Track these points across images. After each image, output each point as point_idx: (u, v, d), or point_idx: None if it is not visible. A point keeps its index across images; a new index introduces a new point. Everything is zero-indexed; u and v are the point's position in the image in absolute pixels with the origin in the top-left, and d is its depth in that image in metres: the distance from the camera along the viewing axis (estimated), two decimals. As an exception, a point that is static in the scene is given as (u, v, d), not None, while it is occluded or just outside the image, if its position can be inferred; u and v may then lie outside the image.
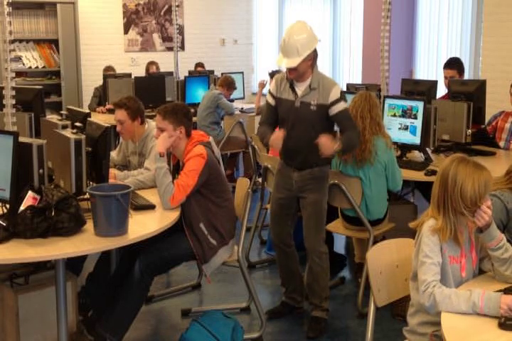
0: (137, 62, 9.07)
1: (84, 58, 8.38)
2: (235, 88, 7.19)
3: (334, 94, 3.43)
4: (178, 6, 7.88)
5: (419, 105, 4.26)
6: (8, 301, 3.18)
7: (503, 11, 6.09)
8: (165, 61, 8.63)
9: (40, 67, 8.22)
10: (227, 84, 6.98)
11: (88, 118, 3.55)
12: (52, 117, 4.00)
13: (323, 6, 9.28)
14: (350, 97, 4.01)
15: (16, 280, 3.20)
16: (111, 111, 6.10)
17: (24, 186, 2.83)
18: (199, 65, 8.86)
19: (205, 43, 9.86)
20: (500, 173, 2.88)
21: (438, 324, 2.13)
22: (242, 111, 7.44)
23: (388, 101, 4.52)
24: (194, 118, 5.36)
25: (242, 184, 3.71)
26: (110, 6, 8.98)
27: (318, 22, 9.10)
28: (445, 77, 5.28)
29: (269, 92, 3.62)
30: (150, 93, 6.90)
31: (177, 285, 4.31)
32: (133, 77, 7.29)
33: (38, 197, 2.80)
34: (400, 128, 4.40)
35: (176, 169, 3.59)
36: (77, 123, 3.25)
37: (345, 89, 5.56)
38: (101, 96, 7.26)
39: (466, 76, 5.83)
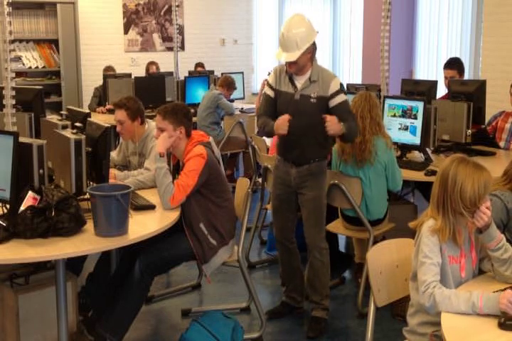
0: (137, 62, 9.08)
1: (84, 58, 8.38)
2: (235, 88, 7.19)
3: (334, 86, 3.43)
4: (178, 6, 7.88)
5: (419, 105, 4.26)
6: (8, 301, 3.18)
7: (503, 11, 6.10)
8: (165, 61, 8.63)
9: (40, 67, 8.22)
10: (227, 84, 6.98)
11: (88, 119, 3.55)
12: (52, 117, 4.00)
13: (323, 6, 9.29)
14: (350, 97, 4.01)
15: (16, 281, 3.20)
16: (111, 112, 6.10)
17: (24, 186, 2.83)
18: (199, 65, 8.86)
19: (205, 43, 9.87)
20: (500, 173, 2.88)
21: (438, 324, 2.13)
22: (242, 111, 7.44)
23: (388, 101, 4.52)
24: (194, 119, 5.36)
25: (242, 184, 3.72)
26: (110, 6, 8.98)
27: (318, 22, 9.09)
28: (445, 77, 5.28)
29: (268, 84, 3.60)
30: (150, 93, 6.90)
31: (177, 285, 4.31)
32: (133, 77, 7.29)
33: (38, 198, 2.80)
34: (400, 129, 4.40)
35: (176, 169, 3.59)
36: (77, 124, 3.25)
37: (345, 89, 5.55)
38: (101, 97, 7.26)
39: (466, 76, 5.83)
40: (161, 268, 3.41)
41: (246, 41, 10.36)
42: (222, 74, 7.79)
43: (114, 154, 4.05)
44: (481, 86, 4.64)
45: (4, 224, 2.75)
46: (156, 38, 9.50)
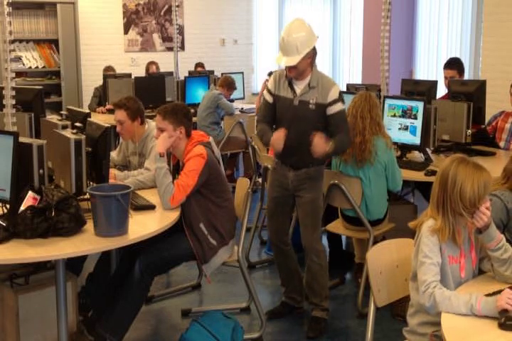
0: (137, 62, 9.08)
1: (84, 58, 8.38)
2: (235, 88, 7.19)
3: (333, 94, 3.43)
4: (178, 6, 7.89)
5: (419, 105, 4.26)
6: (8, 301, 3.18)
7: (503, 11, 6.10)
8: (165, 61, 8.63)
9: (40, 67, 8.21)
10: (227, 84, 6.98)
11: (88, 119, 3.55)
12: (52, 117, 4.00)
13: (323, 6, 9.29)
14: (350, 97, 4.02)
15: (16, 281, 3.20)
16: (111, 112, 6.10)
17: (24, 186, 2.83)
18: (199, 65, 8.86)
19: (205, 43, 9.86)
20: (500, 174, 2.88)
21: (438, 324, 2.13)
22: (242, 111, 7.44)
23: (388, 101, 4.52)
24: (194, 119, 5.36)
25: (242, 184, 3.71)
26: (110, 6, 8.98)
27: (318, 22, 9.10)
28: (445, 77, 5.28)
29: (267, 89, 3.60)
30: (150, 93, 6.90)
31: (177, 285, 4.31)
32: (133, 77, 7.29)
33: (38, 198, 2.80)
34: (399, 129, 4.40)
35: (176, 169, 3.59)
36: (77, 124, 3.25)
37: (345, 89, 5.56)
38: (101, 97, 7.26)
39: (466, 76, 5.83)
40: (161, 268, 3.41)
41: (246, 41, 10.36)
42: (222, 74, 7.79)
43: (114, 154, 4.05)
44: (481, 86, 4.64)
45: (4, 224, 2.75)
46: (156, 38, 9.49)
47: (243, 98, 8.37)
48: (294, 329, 3.71)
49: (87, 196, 2.91)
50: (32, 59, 8.16)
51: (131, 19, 9.24)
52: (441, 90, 5.52)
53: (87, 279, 3.80)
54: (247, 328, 3.57)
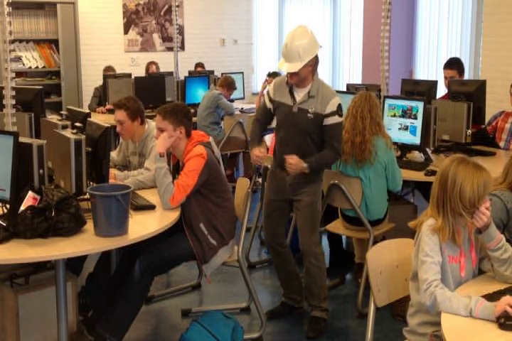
0: (137, 62, 9.08)
1: (84, 58, 8.38)
2: (235, 88, 7.19)
3: (331, 106, 3.42)
4: (178, 6, 7.88)
5: (419, 105, 4.26)
6: (8, 301, 3.18)
7: (503, 11, 6.10)
8: (165, 61, 8.63)
9: (40, 67, 8.21)
10: (227, 84, 6.98)
11: (88, 119, 3.55)
12: (52, 117, 4.00)
13: (323, 6, 9.29)
14: (350, 97, 4.02)
15: (16, 281, 3.20)
16: (111, 112, 6.10)
17: (24, 186, 2.83)
18: (199, 65, 8.86)
19: (205, 43, 9.86)
20: (499, 174, 2.88)
21: (438, 324, 2.13)
22: (242, 111, 7.44)
23: (388, 101, 4.52)
24: (194, 119, 5.36)
25: (242, 184, 3.71)
26: (110, 6, 8.98)
27: (318, 22, 9.11)
28: (445, 77, 5.27)
29: (268, 94, 3.63)
30: (150, 93, 6.90)
31: (177, 285, 4.31)
32: (133, 77, 7.29)
33: (38, 198, 2.80)
34: (399, 129, 4.40)
35: (176, 169, 3.59)
36: (77, 124, 3.25)
37: (345, 89, 5.57)
38: (101, 97, 7.26)
39: (466, 76, 5.83)
40: (161, 268, 3.41)
41: (246, 41, 10.36)
42: (222, 74, 7.79)
43: (114, 154, 4.05)
44: (481, 86, 4.64)
45: (4, 224, 2.75)
46: (156, 38, 9.49)
47: (243, 98, 8.37)
48: (294, 329, 3.71)
49: (87, 196, 2.91)
50: (32, 59, 8.16)
51: (131, 19, 9.24)
52: (441, 90, 5.52)
53: (87, 279, 3.80)
54: (247, 328, 3.57)
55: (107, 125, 3.18)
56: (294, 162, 3.40)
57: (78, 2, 8.20)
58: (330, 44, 9.15)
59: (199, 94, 7.40)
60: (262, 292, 4.17)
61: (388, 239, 2.82)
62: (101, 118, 5.37)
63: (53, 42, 8.25)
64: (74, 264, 3.49)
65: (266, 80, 7.22)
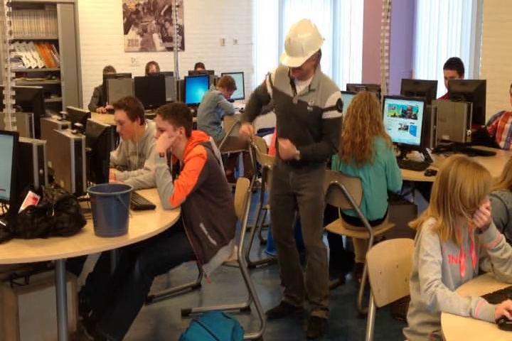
0: (137, 62, 9.07)
1: (84, 58, 8.38)
2: (235, 88, 7.19)
3: (331, 101, 3.41)
4: (178, 6, 7.88)
5: (419, 105, 4.26)
6: (8, 301, 3.18)
7: (503, 11, 6.10)
8: (165, 61, 8.63)
9: (40, 67, 8.21)
10: (227, 84, 6.98)
11: (88, 119, 3.55)
12: (52, 117, 4.00)
13: (323, 6, 9.29)
14: (350, 97, 4.02)
15: (16, 281, 3.20)
16: (111, 112, 6.10)
17: (24, 186, 2.83)
18: (199, 65, 8.86)
19: (205, 43, 9.86)
20: (500, 173, 2.88)
21: (438, 324, 2.13)
22: (242, 111, 7.41)
23: (388, 101, 4.52)
24: (194, 119, 5.36)
25: (242, 184, 3.72)
26: (110, 6, 8.97)
27: (318, 22, 9.07)
28: (445, 77, 5.28)
29: (269, 79, 3.61)
30: (150, 93, 6.90)
31: (177, 285, 4.31)
32: (133, 77, 7.29)
33: (38, 198, 2.80)
34: (399, 129, 4.40)
35: (176, 169, 3.59)
36: (77, 124, 3.25)
37: (345, 89, 5.56)
38: (101, 97, 7.26)
39: (466, 76, 5.83)
40: (161, 268, 3.41)
41: (246, 41, 10.36)
42: (222, 74, 7.79)
43: (114, 154, 4.05)
44: (481, 86, 4.64)
45: (4, 224, 2.75)
46: (156, 38, 9.49)
47: (243, 98, 8.36)
48: (294, 329, 3.71)
49: (87, 196, 2.91)
50: (32, 59, 8.16)
51: (131, 19, 9.23)
52: (441, 90, 5.52)
53: (87, 279, 3.80)
54: (247, 328, 3.57)
55: (107, 125, 3.18)
56: (285, 146, 3.42)
57: (78, 2, 8.20)
58: (330, 44, 9.15)
59: (199, 94, 7.40)
60: (262, 292, 4.17)
61: (388, 239, 2.82)
62: (101, 118, 5.37)
63: (53, 42, 8.25)
64: (74, 264, 3.49)
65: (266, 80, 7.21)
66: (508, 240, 2.44)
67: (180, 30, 9.37)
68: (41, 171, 2.86)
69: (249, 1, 10.28)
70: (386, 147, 3.85)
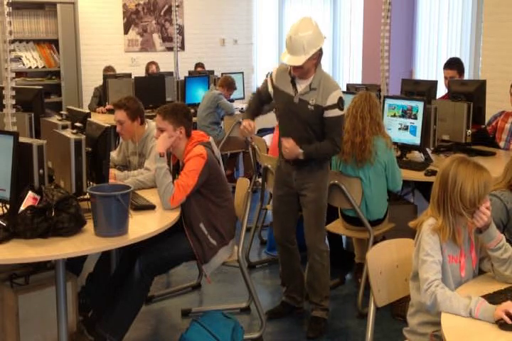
0: (137, 62, 9.07)
1: (84, 58, 8.38)
2: (235, 88, 7.19)
3: (332, 99, 3.39)
4: (178, 6, 7.88)
5: (419, 105, 4.26)
6: (8, 301, 3.18)
7: (503, 11, 6.10)
8: (165, 61, 8.63)
9: (40, 67, 8.21)
10: (227, 84, 6.98)
11: (88, 119, 3.55)
12: (53, 117, 4.00)
13: (323, 6, 9.29)
14: (350, 97, 4.02)
15: (15, 281, 3.20)
16: (111, 112, 6.10)
17: (24, 186, 2.83)
18: (199, 65, 8.86)
19: (205, 43, 9.86)
20: (500, 173, 2.88)
21: (438, 324, 2.13)
22: (242, 111, 7.41)
23: (388, 101, 4.52)
24: (194, 119, 5.36)
25: (242, 184, 3.71)
26: (110, 6, 8.97)
27: (318, 22, 9.08)
28: (445, 77, 5.28)
29: (270, 78, 3.60)
30: (150, 93, 6.90)
31: (177, 285, 4.31)
32: (133, 77, 7.29)
33: (38, 198, 2.80)
34: (399, 129, 4.40)
35: (176, 169, 3.59)
36: (77, 124, 3.24)
37: (345, 89, 5.56)
38: (101, 97, 7.26)
39: (466, 76, 5.83)
40: (161, 268, 3.41)
41: (246, 41, 10.36)
42: (222, 74, 7.79)
43: (114, 154, 4.05)
44: (481, 86, 4.64)
45: (4, 224, 2.75)
46: (156, 38, 9.49)
47: (243, 98, 8.37)
48: (294, 329, 3.71)
49: (87, 196, 2.91)
50: (32, 59, 8.16)
51: (131, 19, 9.24)
52: (441, 90, 5.52)
53: (87, 279, 3.80)
54: (247, 328, 3.57)
55: (107, 125, 3.18)
56: (289, 145, 3.40)
57: (78, 2, 8.20)
58: (330, 44, 9.15)
59: (199, 94, 7.40)
60: (262, 292, 4.17)
61: (388, 239, 2.82)
62: (101, 118, 5.37)
63: (53, 42, 8.25)
64: (74, 264, 3.49)
65: (266, 80, 7.21)
66: (508, 240, 2.44)
67: (180, 30, 9.37)
68: (41, 171, 2.86)
69: (249, 1, 10.28)
70: (386, 147, 3.85)
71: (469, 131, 4.38)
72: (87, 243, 2.71)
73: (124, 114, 3.83)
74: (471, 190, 2.26)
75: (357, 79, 8.39)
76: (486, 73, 6.26)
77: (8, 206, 2.89)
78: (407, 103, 4.37)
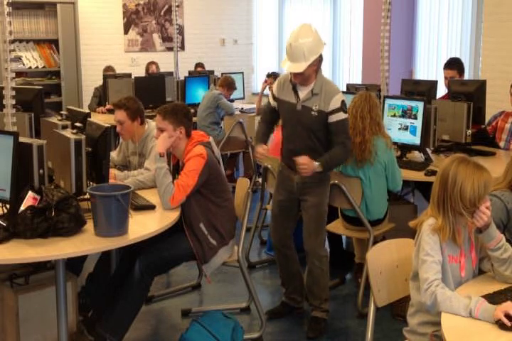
0: (137, 62, 9.08)
1: (84, 58, 8.38)
2: (235, 88, 7.19)
3: (335, 103, 3.39)
4: (178, 6, 7.88)
5: (419, 105, 4.26)
6: (8, 301, 3.18)
7: (503, 11, 6.10)
8: (165, 61, 8.63)
9: (40, 67, 8.21)
10: (227, 84, 6.98)
11: (88, 119, 3.55)
12: (54, 117, 4.00)
13: (323, 6, 9.28)
14: (350, 97, 4.02)
15: (15, 281, 3.20)
16: (111, 112, 6.10)
17: (24, 186, 2.83)
18: (199, 65, 8.86)
19: (205, 43, 9.86)
20: (500, 173, 2.88)
21: (438, 324, 2.13)
22: (242, 111, 7.44)
23: (388, 101, 4.52)
24: (194, 119, 5.36)
25: (242, 184, 3.71)
26: (110, 6, 8.98)
27: (318, 22, 9.09)
28: (445, 78, 5.28)
29: (271, 93, 3.62)
30: (150, 93, 6.90)
31: (177, 285, 4.31)
32: (133, 77, 7.29)
33: (38, 198, 2.80)
34: (399, 129, 4.40)
35: (176, 169, 3.59)
36: (77, 124, 3.25)
37: (345, 89, 5.56)
38: (101, 97, 7.26)
39: (466, 76, 5.83)
40: (161, 268, 3.41)
41: (246, 41, 10.36)
42: (222, 74, 7.79)
43: (114, 154, 4.05)
44: (481, 86, 4.64)
45: (4, 224, 2.75)
46: (156, 38, 9.50)
47: (243, 98, 8.37)
48: (294, 329, 3.71)
49: (87, 196, 2.91)
50: (32, 59, 8.16)
51: (131, 19, 9.24)
52: (441, 90, 5.52)
53: (87, 279, 3.80)
54: (247, 328, 3.57)
55: (107, 125, 3.18)
56: (305, 161, 3.35)
57: (78, 2, 8.20)
58: (330, 44, 9.13)
59: (199, 94, 7.40)
60: (262, 292, 4.17)
61: (388, 239, 2.82)
62: (101, 118, 5.37)
63: (53, 42, 8.25)
64: (74, 264, 3.49)
65: (265, 81, 7.22)
66: (508, 240, 2.44)
67: (180, 30, 9.38)
68: (41, 171, 2.86)
69: (249, 1, 10.28)
70: (386, 147, 3.85)
71: (469, 131, 4.39)
72: (87, 243, 2.71)
73: (124, 114, 3.83)
74: (471, 190, 2.26)
75: (357, 79, 8.38)
76: (486, 73, 6.26)
77: (8, 206, 2.89)
78: (407, 103, 4.37)
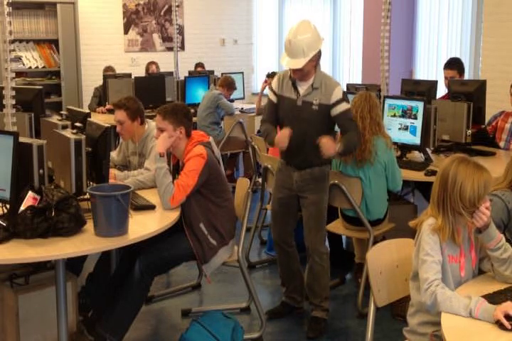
0: (137, 62, 9.08)
1: (84, 58, 8.38)
2: (235, 88, 7.19)
3: (336, 95, 3.41)
4: (178, 6, 7.88)
5: (419, 105, 4.26)
6: (8, 301, 3.18)
7: (503, 11, 6.10)
8: (165, 61, 8.63)
9: (40, 67, 8.21)
10: (227, 84, 6.98)
11: (88, 119, 3.55)
12: (52, 117, 4.00)
13: (323, 6, 9.28)
14: (350, 97, 4.01)
15: (16, 281, 3.20)
16: (111, 112, 6.10)
17: (24, 186, 2.83)
18: (199, 65, 8.86)
19: (205, 43, 9.86)
20: (500, 173, 2.88)
21: (438, 324, 2.13)
22: (242, 111, 7.44)
23: (388, 101, 4.52)
24: (194, 119, 5.36)
25: (242, 184, 3.71)
26: (110, 6, 8.98)
27: (318, 22, 9.09)
28: (445, 78, 5.28)
29: (271, 90, 3.60)
30: (150, 93, 6.90)
31: (177, 285, 4.31)
32: (133, 77, 7.29)
33: (38, 198, 2.81)
34: (399, 129, 4.40)
35: (176, 169, 3.59)
36: (77, 124, 3.25)
37: (345, 89, 5.56)
38: (101, 97, 7.26)
39: (466, 76, 5.83)
40: (161, 268, 3.41)
41: (246, 41, 10.36)
42: (222, 74, 7.79)
43: (114, 154, 4.05)
44: (481, 86, 4.64)
45: (4, 224, 2.75)
46: (156, 38, 9.50)
47: (243, 98, 8.37)
48: (294, 329, 3.71)
49: (87, 196, 2.91)
50: (32, 59, 8.16)
51: (131, 19, 9.24)
52: (441, 90, 5.52)
53: (87, 279, 3.80)
54: (247, 328, 3.57)
55: (107, 125, 3.18)
56: (326, 140, 3.31)
57: (78, 2, 8.20)
58: (330, 44, 9.14)
59: (199, 94, 7.40)
60: (262, 292, 4.17)
61: (388, 239, 2.82)
62: (101, 118, 5.37)
63: (53, 42, 8.25)
64: (74, 264, 3.49)
65: (265, 81, 7.22)
66: (508, 240, 2.44)
67: (180, 30, 9.38)
68: (41, 171, 2.86)
69: (249, 1, 10.28)
70: (386, 147, 3.85)
71: (469, 131, 4.39)
72: (87, 243, 2.71)
73: (124, 114, 3.83)
74: (470, 190, 2.26)
75: (357, 79, 8.38)
76: (486, 73, 6.26)
77: (8, 206, 2.89)
78: (407, 103, 4.37)
